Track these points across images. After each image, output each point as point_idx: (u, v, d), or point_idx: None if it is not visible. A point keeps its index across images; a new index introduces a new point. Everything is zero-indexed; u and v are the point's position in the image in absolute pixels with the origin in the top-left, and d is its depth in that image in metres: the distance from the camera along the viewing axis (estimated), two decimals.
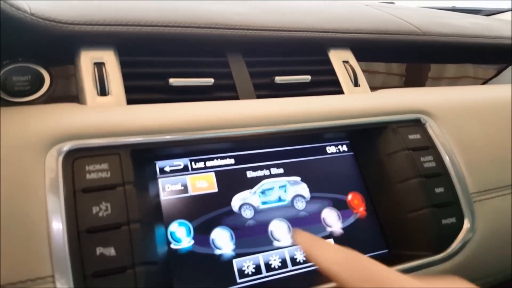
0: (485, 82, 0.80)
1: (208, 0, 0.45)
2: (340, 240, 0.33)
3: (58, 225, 0.23)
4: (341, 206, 0.35)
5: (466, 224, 0.33)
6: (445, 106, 0.38)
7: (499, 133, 0.39)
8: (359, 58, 0.44)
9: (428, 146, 0.35)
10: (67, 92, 0.35)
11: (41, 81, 0.32)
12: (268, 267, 0.30)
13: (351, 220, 0.34)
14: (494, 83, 0.78)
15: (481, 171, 0.36)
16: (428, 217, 0.32)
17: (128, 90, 0.32)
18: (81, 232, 0.23)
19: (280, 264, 0.30)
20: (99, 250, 0.23)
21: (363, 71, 0.42)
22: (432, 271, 0.32)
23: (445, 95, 0.40)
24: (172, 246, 0.28)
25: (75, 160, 0.25)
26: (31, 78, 0.32)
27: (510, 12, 0.87)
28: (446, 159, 0.35)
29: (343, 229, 0.34)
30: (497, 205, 0.35)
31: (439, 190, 0.33)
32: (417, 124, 0.36)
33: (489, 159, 0.37)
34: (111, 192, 0.25)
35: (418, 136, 0.35)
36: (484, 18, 0.69)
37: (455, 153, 0.35)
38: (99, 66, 0.32)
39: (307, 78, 0.39)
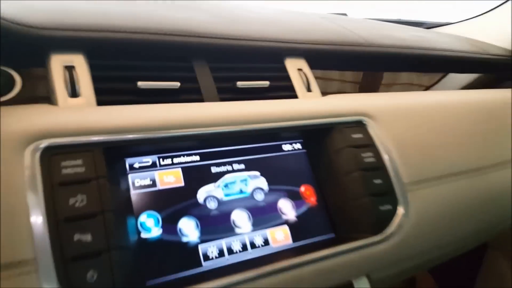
0: (427, 88, 0.89)
1: (176, 7, 0.48)
2: (294, 226, 0.37)
3: (38, 216, 0.25)
4: (295, 197, 0.39)
5: (401, 210, 0.39)
6: (384, 109, 0.44)
7: (431, 132, 0.45)
8: (313, 66, 0.49)
9: (369, 144, 0.40)
10: (36, 93, 0.37)
11: (12, 83, 0.33)
12: (230, 251, 0.34)
13: (303, 209, 0.39)
14: (435, 89, 0.87)
15: (415, 165, 0.42)
16: (367, 204, 0.38)
17: (99, 92, 0.34)
18: (59, 221, 0.26)
19: (241, 249, 0.34)
20: (76, 237, 0.26)
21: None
22: (373, 251, 0.37)
23: (385, 99, 0.46)
24: (142, 234, 0.31)
25: (51, 156, 0.27)
26: (1, 80, 0.33)
27: (449, 26, 0.97)
28: (384, 155, 0.40)
29: (297, 217, 0.38)
30: (428, 193, 0.42)
31: (377, 181, 0.39)
32: (359, 125, 0.42)
33: (422, 154, 0.43)
34: (86, 185, 0.28)
35: (360, 135, 0.41)
36: (424, 31, 0.77)
37: (392, 150, 0.41)
38: (70, 69, 0.34)
39: (265, 83, 0.43)
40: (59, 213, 0.26)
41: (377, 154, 0.40)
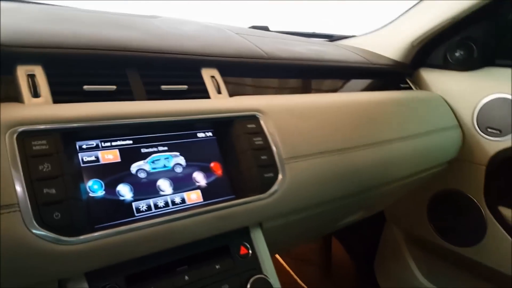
0: (335, 90, 1.10)
1: (114, 26, 0.63)
2: (204, 190, 0.54)
3: (19, 177, 0.39)
4: (206, 170, 0.56)
5: (280, 177, 0.57)
6: (272, 106, 0.62)
7: (307, 123, 0.65)
8: (225, 74, 0.66)
9: (259, 131, 0.58)
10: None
11: None
12: (156, 206, 0.50)
13: (212, 178, 0.56)
14: (341, 92, 1.09)
15: (292, 146, 0.61)
16: (256, 173, 0.55)
17: (54, 93, 0.48)
18: (33, 181, 0.40)
19: (163, 205, 0.50)
20: (45, 190, 0.40)
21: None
22: (260, 204, 0.55)
23: (275, 100, 0.65)
24: (90, 194, 0.46)
25: (24, 138, 0.41)
26: None
27: (353, 38, 1.21)
28: (269, 139, 0.58)
29: (207, 183, 0.55)
30: (301, 165, 0.60)
31: (263, 157, 0.57)
32: (253, 118, 0.59)
33: (298, 138, 0.62)
34: (49, 157, 0.42)
35: (253, 125, 0.59)
36: (322, 44, 0.98)
37: (276, 135, 0.59)
38: (32, 76, 0.48)
39: (184, 87, 0.59)
40: (32, 175, 0.40)
41: (265, 138, 0.58)
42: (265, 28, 1.13)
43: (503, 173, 0.95)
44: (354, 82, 1.01)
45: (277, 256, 1.33)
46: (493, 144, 0.94)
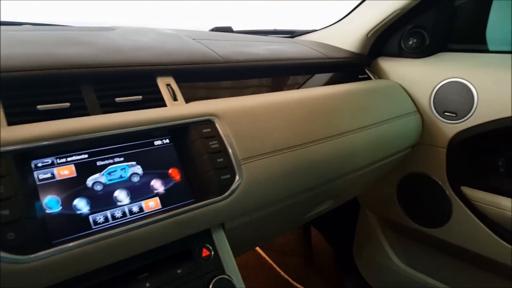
0: (300, 86, 1.13)
1: (68, 43, 0.64)
2: (162, 197, 0.56)
3: None
4: (164, 177, 0.57)
5: (237, 178, 0.59)
6: (227, 110, 0.64)
7: (262, 123, 0.67)
8: (181, 80, 0.67)
9: (215, 135, 0.60)
10: None
11: None
12: (113, 217, 0.51)
13: (170, 184, 0.57)
14: (305, 87, 1.11)
15: (248, 146, 0.63)
16: (213, 176, 0.57)
17: (8, 115, 0.49)
18: None
19: (121, 215, 0.52)
20: None
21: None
22: (220, 206, 0.57)
23: (229, 103, 0.66)
24: (47, 211, 0.47)
25: None
26: None
27: (314, 33, 1.23)
28: (225, 142, 0.60)
29: (165, 190, 0.57)
30: (257, 165, 0.62)
31: (220, 160, 0.59)
32: (209, 122, 0.61)
33: (253, 139, 0.64)
34: (3, 179, 0.43)
35: (209, 129, 0.60)
36: (281, 43, 0.99)
37: (231, 138, 0.61)
38: None
39: (139, 97, 0.61)
40: None
41: (221, 142, 0.60)
42: (229, 29, 1.14)
43: (462, 154, 0.99)
44: (314, 78, 1.03)
45: (258, 249, 1.36)
46: (451, 127, 0.98)
